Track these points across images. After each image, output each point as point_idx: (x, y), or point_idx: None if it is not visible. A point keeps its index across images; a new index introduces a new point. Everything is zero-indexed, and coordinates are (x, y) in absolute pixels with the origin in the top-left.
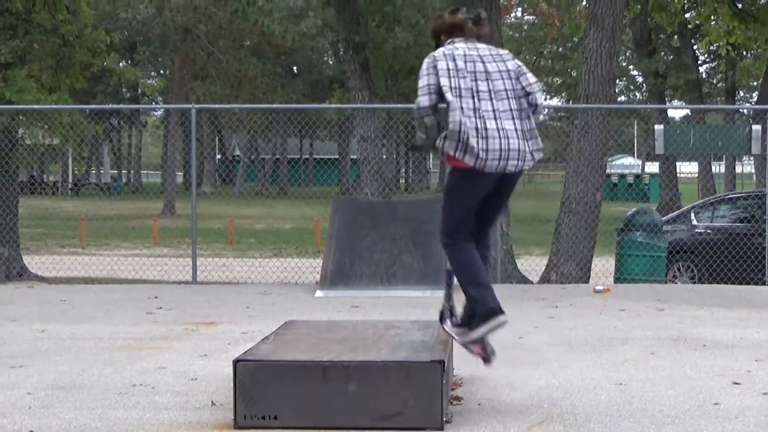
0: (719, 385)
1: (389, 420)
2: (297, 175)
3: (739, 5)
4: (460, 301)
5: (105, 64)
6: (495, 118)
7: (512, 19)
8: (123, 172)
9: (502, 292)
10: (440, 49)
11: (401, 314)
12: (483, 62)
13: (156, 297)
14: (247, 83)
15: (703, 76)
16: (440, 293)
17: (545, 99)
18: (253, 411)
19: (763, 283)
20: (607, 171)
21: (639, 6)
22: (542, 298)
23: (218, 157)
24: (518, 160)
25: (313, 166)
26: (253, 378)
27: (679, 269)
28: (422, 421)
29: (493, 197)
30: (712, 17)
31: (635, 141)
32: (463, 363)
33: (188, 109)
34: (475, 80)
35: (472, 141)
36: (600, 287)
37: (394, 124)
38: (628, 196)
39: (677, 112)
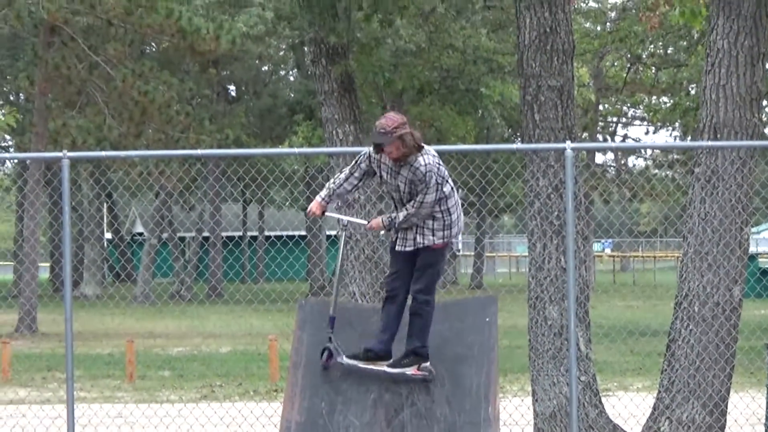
0: None
1: None
2: (239, 264)
3: None
4: None
5: None
6: None
7: (589, 4)
8: None
9: None
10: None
11: None
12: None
13: None
14: (154, 114)
15: None
16: None
17: (646, 133)
18: None
19: None
20: (751, 250)
21: None
22: None
23: (108, 237)
24: None
25: (265, 249)
26: None
27: None
28: None
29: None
30: None
31: None
32: None
33: (57, 159)
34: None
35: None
36: None
37: None
38: None
39: None
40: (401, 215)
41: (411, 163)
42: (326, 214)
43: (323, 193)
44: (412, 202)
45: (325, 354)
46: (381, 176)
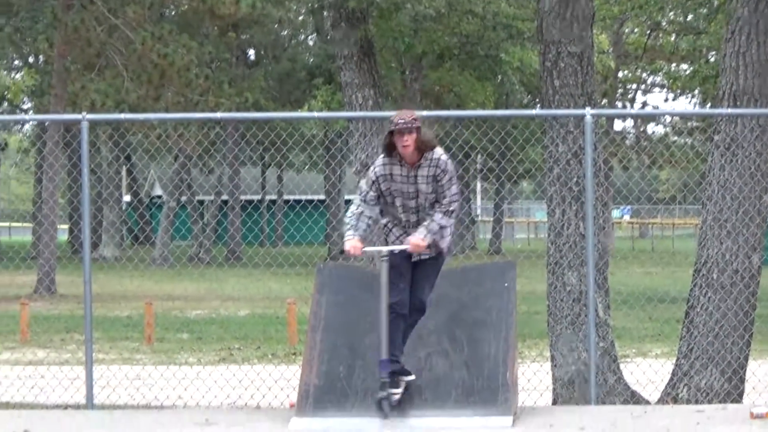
0: None
1: None
2: (257, 227)
3: None
4: None
5: None
6: None
7: None
8: None
9: (600, 417)
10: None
11: None
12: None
13: None
14: (173, 77)
15: None
16: (496, 420)
17: (665, 100)
18: None
19: None
20: None
21: None
22: (666, 427)
23: (126, 199)
24: None
25: (284, 212)
26: None
27: None
28: None
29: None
30: None
31: None
32: None
33: (77, 121)
34: None
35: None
36: (762, 409)
37: None
38: None
39: None
40: (437, 217)
41: (428, 158)
42: (365, 250)
43: (350, 232)
44: (447, 199)
45: (385, 405)
46: (395, 190)
